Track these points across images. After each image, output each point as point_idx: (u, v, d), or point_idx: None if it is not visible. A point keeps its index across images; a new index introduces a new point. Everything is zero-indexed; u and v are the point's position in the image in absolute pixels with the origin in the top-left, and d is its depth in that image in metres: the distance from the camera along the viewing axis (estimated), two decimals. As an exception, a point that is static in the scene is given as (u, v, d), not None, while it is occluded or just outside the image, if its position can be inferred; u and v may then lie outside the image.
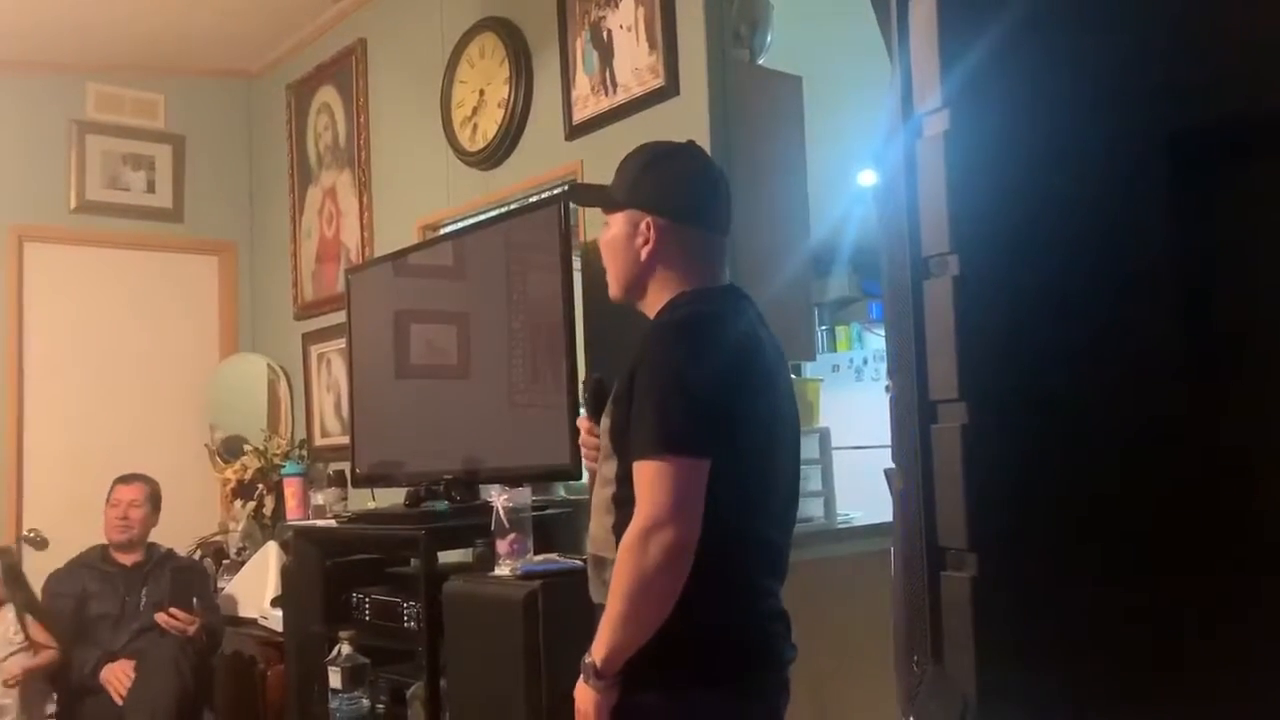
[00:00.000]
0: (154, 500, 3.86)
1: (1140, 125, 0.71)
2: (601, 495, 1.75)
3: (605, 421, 1.75)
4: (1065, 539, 0.70)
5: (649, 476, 1.59)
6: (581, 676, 1.66)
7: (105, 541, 3.82)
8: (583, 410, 1.93)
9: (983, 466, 0.70)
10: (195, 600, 3.68)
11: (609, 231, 1.81)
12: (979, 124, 0.71)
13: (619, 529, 1.65)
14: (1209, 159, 0.71)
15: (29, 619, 3.48)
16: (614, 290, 1.83)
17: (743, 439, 1.66)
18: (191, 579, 3.83)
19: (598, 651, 1.64)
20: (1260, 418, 0.70)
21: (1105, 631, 0.69)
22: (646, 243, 1.75)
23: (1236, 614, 0.69)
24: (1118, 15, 0.71)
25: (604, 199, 1.84)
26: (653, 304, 1.77)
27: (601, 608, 1.73)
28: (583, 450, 1.92)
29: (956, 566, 0.71)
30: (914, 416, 0.76)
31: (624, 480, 1.67)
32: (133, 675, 3.47)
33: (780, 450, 1.77)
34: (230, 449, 4.53)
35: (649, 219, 1.74)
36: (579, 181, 1.85)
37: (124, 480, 3.86)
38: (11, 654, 3.43)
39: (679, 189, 1.79)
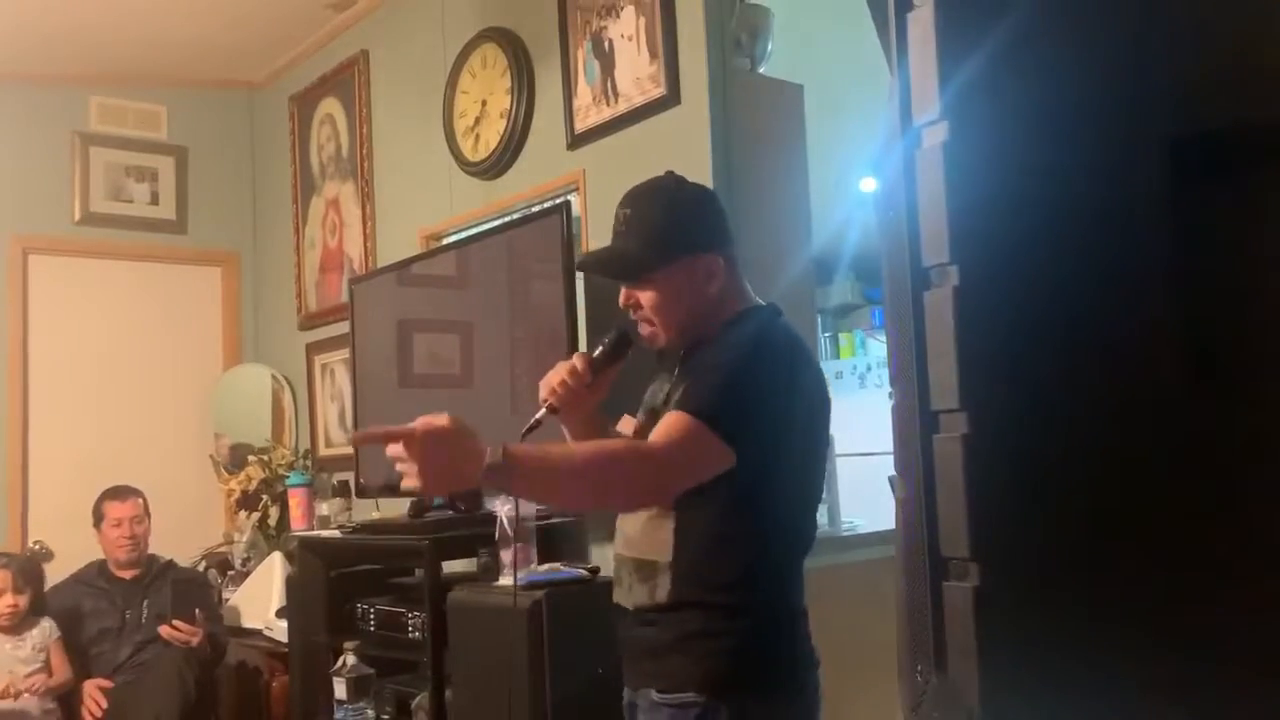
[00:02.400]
0: (148, 510, 3.84)
1: (1138, 134, 0.71)
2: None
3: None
4: (1067, 548, 0.70)
5: (675, 424, 1.58)
6: (481, 447, 1.48)
7: (104, 558, 3.79)
8: (592, 354, 1.79)
9: (984, 476, 0.71)
10: (198, 611, 3.67)
11: (657, 289, 1.72)
12: (977, 135, 0.72)
13: (680, 532, 1.66)
14: (1207, 167, 0.71)
15: (56, 643, 3.48)
16: (668, 340, 1.76)
17: (810, 447, 1.73)
18: (193, 590, 3.82)
19: (524, 461, 1.49)
20: (1259, 424, 0.71)
21: (1107, 640, 0.69)
22: (712, 280, 1.73)
23: (1238, 617, 0.69)
24: (1114, 26, 0.72)
25: (649, 260, 1.72)
26: (705, 333, 1.75)
27: (624, 610, 1.75)
28: (554, 385, 1.76)
29: (959, 576, 0.71)
30: (915, 426, 0.76)
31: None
32: (104, 703, 3.47)
33: (822, 463, 1.83)
34: (236, 459, 4.53)
35: (714, 257, 1.73)
36: (587, 256, 1.74)
37: (116, 496, 3.79)
38: (32, 672, 3.42)
39: (717, 220, 1.78)
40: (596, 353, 1.78)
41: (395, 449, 1.45)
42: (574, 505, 1.56)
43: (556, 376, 1.77)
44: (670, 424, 1.59)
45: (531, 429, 1.72)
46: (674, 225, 1.73)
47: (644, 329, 1.78)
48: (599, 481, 1.57)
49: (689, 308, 1.73)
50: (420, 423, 1.45)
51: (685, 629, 1.66)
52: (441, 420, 1.46)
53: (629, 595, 1.75)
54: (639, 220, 1.74)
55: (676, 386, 1.72)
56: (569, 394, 1.76)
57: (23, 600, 3.48)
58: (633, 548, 1.75)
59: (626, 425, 1.89)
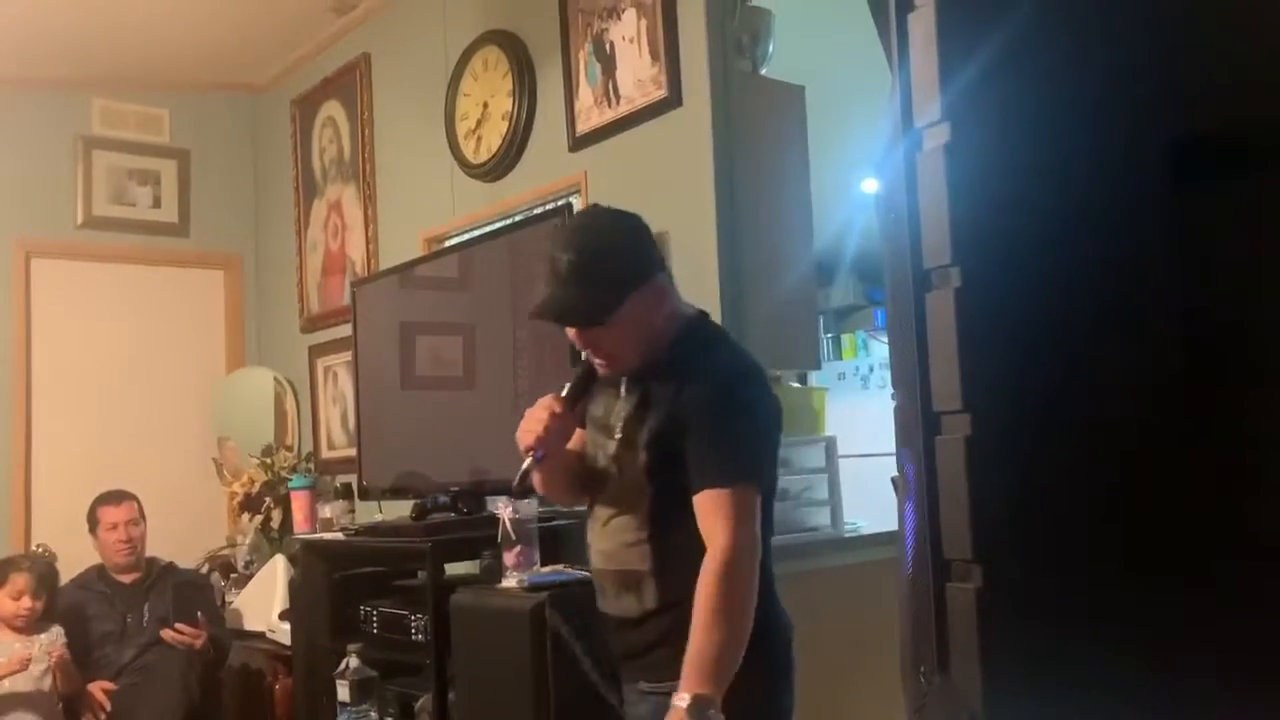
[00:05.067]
0: (143, 513, 3.84)
1: (1140, 135, 0.71)
2: (632, 519, 1.82)
3: (639, 457, 1.78)
4: (1070, 550, 0.70)
5: (727, 505, 1.68)
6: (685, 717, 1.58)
7: (102, 563, 3.78)
8: (562, 394, 1.83)
9: (987, 477, 0.71)
10: (199, 614, 3.67)
11: (617, 329, 1.76)
12: (979, 136, 0.72)
13: (655, 541, 1.77)
14: (1209, 168, 0.71)
15: (64, 650, 3.48)
16: (635, 365, 1.81)
17: (775, 452, 1.84)
18: (195, 592, 3.82)
19: (708, 685, 1.60)
20: (1260, 424, 0.71)
21: (1110, 642, 0.69)
22: (662, 303, 1.81)
23: (1239, 619, 0.69)
24: (1115, 27, 0.72)
25: (606, 303, 1.76)
26: (658, 347, 1.82)
27: (616, 618, 1.84)
28: (538, 432, 1.79)
29: (961, 578, 0.71)
30: (917, 428, 0.76)
31: (660, 501, 1.76)
32: (108, 706, 3.47)
33: None
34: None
35: (647, 288, 1.78)
36: (541, 307, 1.79)
37: (110, 500, 3.79)
38: (40, 673, 3.43)
39: (648, 245, 1.84)
40: (566, 391, 1.83)
41: None
42: (744, 642, 1.67)
43: (538, 424, 1.79)
44: (715, 506, 1.68)
45: (524, 478, 1.80)
46: (619, 263, 1.77)
47: (602, 366, 1.82)
48: (737, 621, 1.65)
49: (645, 335, 1.79)
50: None
51: (672, 626, 1.74)
52: None
53: (616, 604, 1.85)
54: (584, 265, 1.75)
55: (644, 416, 1.79)
56: (555, 437, 1.81)
57: (39, 604, 3.49)
58: (611, 561, 1.85)
59: (575, 441, 1.94)
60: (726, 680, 1.63)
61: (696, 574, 1.70)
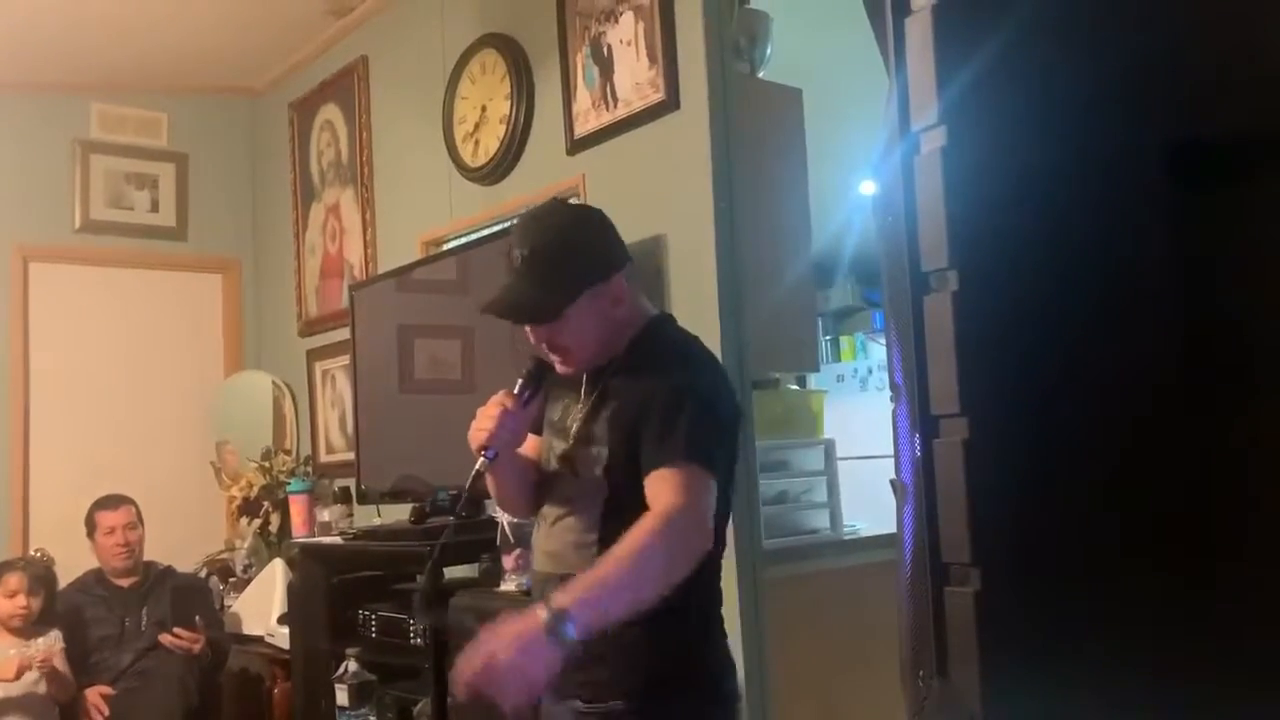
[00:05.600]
0: (141, 517, 3.84)
1: (1137, 138, 0.71)
2: (581, 519, 1.73)
3: (598, 453, 1.72)
4: (1068, 553, 0.70)
5: (680, 479, 1.59)
6: (539, 620, 1.44)
7: (100, 567, 3.78)
8: (514, 391, 1.78)
9: (985, 481, 0.71)
10: (198, 618, 3.67)
11: (571, 326, 1.72)
12: (976, 140, 0.72)
13: (605, 545, 1.62)
14: (1206, 171, 0.71)
15: (60, 654, 3.47)
16: (590, 361, 1.77)
17: (732, 459, 1.76)
18: (193, 596, 3.81)
19: (579, 606, 1.46)
20: (1258, 426, 0.71)
21: (1109, 644, 0.69)
22: (618, 302, 1.73)
23: (1239, 621, 0.69)
24: (1112, 31, 0.72)
25: (557, 300, 1.71)
26: (615, 345, 1.77)
27: None
28: (492, 429, 1.73)
29: (960, 582, 0.71)
30: (916, 431, 0.76)
31: (613, 501, 1.68)
32: (106, 710, 3.47)
33: None
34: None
35: (614, 280, 1.73)
36: (492, 302, 1.76)
37: (107, 505, 3.78)
38: (37, 680, 3.42)
39: (610, 240, 1.78)
40: (518, 388, 1.78)
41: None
42: (646, 604, 1.55)
43: (490, 422, 1.74)
44: (664, 482, 1.59)
45: (476, 480, 1.75)
46: (575, 260, 1.72)
47: (559, 364, 1.77)
48: (652, 575, 1.54)
49: (600, 334, 1.74)
50: (462, 683, 1.46)
51: (611, 640, 1.59)
52: (472, 664, 1.45)
53: None
54: (538, 260, 1.71)
55: (600, 410, 1.73)
56: (507, 435, 1.75)
57: (35, 604, 3.48)
58: (557, 564, 1.74)
59: (530, 447, 1.89)
60: (597, 616, 1.49)
61: None
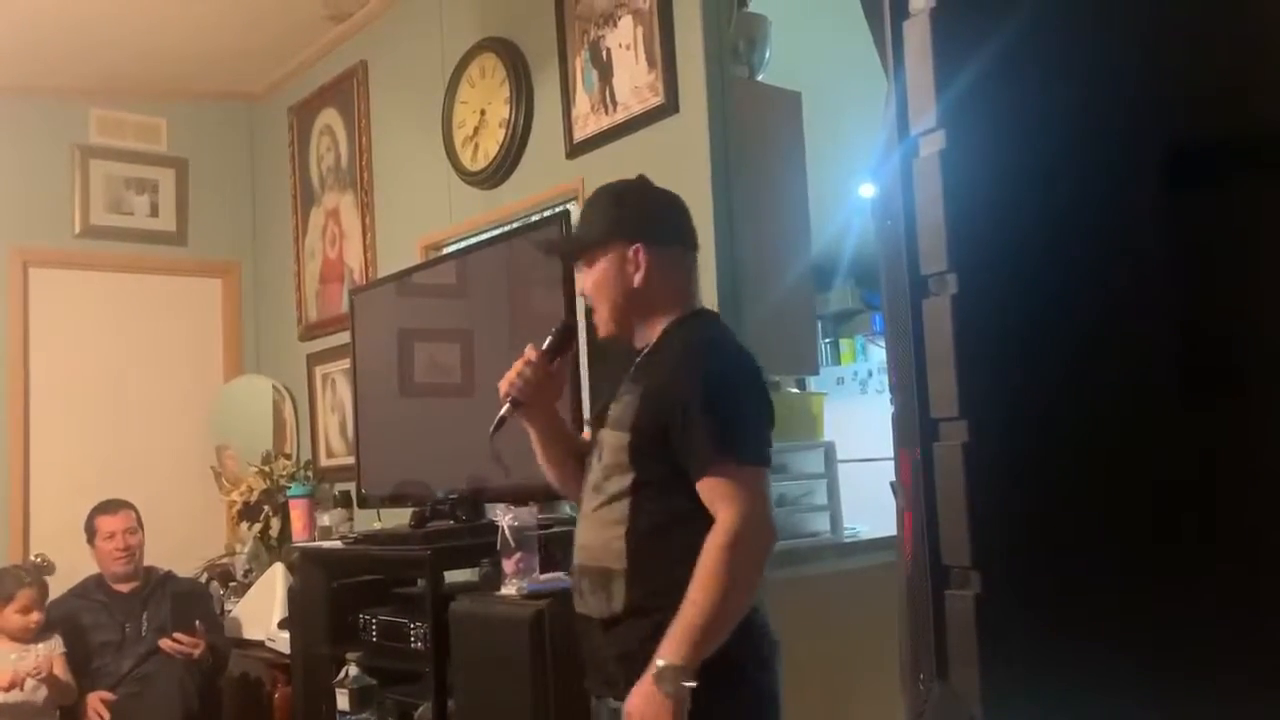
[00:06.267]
0: (141, 522, 3.83)
1: (1137, 141, 0.71)
2: (612, 510, 1.76)
3: (621, 437, 1.76)
4: (1068, 556, 0.70)
5: (728, 487, 1.64)
6: (653, 684, 1.59)
7: (100, 572, 3.77)
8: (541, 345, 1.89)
9: (985, 484, 0.71)
10: (198, 622, 3.66)
11: (593, 274, 1.82)
12: (975, 143, 0.72)
13: (633, 537, 1.69)
14: (1206, 174, 0.71)
15: (60, 658, 3.47)
16: (606, 328, 1.84)
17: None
18: (193, 601, 3.80)
19: (685, 654, 1.58)
20: (1258, 428, 0.71)
21: (1110, 647, 0.69)
22: (638, 269, 1.79)
23: (1240, 623, 0.69)
24: (1112, 34, 0.72)
25: (584, 242, 1.84)
26: (649, 332, 1.82)
27: (587, 619, 1.78)
28: (513, 379, 1.84)
29: (960, 585, 0.71)
30: (915, 434, 0.76)
31: (642, 491, 1.71)
32: (107, 716, 3.46)
33: None
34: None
35: (637, 246, 1.79)
36: (554, 238, 1.88)
37: (107, 510, 3.78)
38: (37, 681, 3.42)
39: (655, 214, 1.85)
40: (546, 344, 1.88)
41: None
42: (737, 619, 1.64)
43: (513, 371, 1.85)
44: (718, 489, 1.64)
45: (499, 425, 1.87)
46: (610, 213, 1.82)
47: (595, 317, 1.86)
48: (733, 596, 1.62)
49: (616, 296, 1.80)
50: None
51: (641, 637, 1.67)
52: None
53: (586, 604, 1.78)
54: (588, 208, 1.87)
55: (631, 390, 1.78)
56: (528, 385, 1.84)
57: (43, 617, 3.50)
58: (590, 556, 1.78)
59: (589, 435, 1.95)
60: (706, 652, 1.59)
61: (669, 583, 1.65)
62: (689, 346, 1.76)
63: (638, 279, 1.79)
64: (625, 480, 1.74)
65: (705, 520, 1.66)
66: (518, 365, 1.85)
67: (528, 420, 1.90)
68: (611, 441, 1.78)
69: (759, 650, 1.73)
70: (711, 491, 1.65)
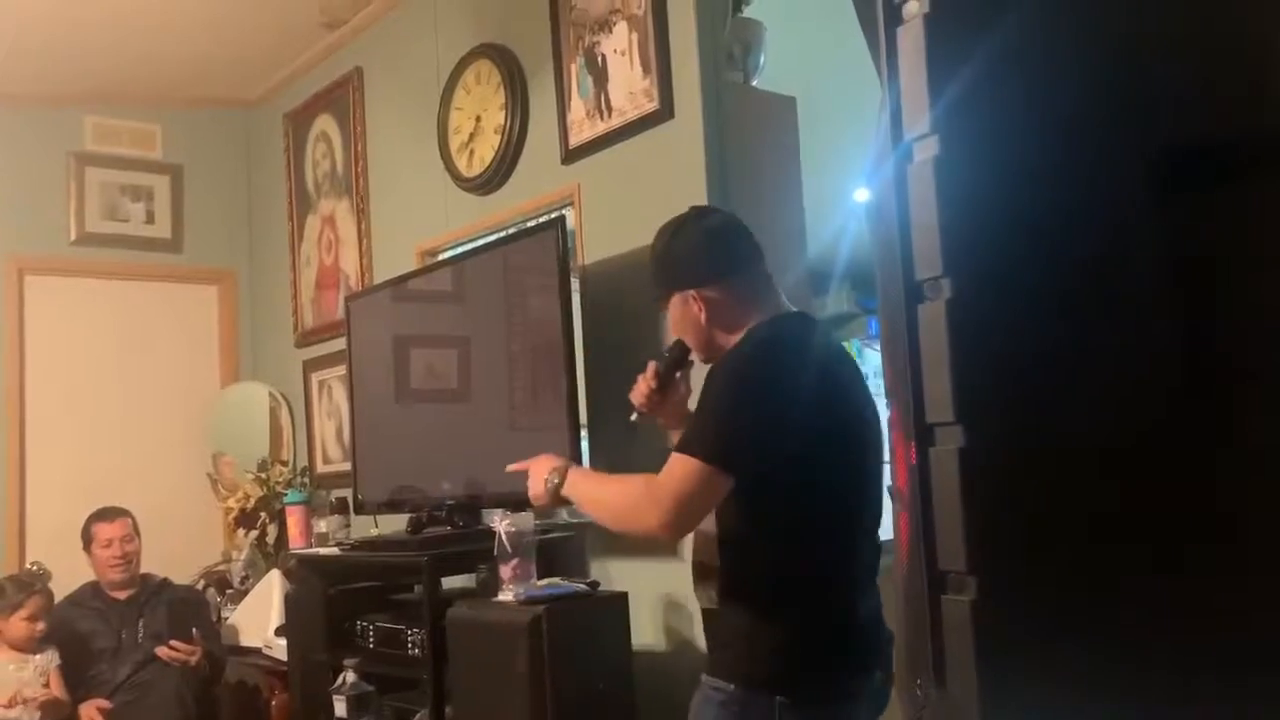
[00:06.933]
0: (137, 529, 3.83)
1: (1132, 145, 0.71)
2: (706, 522, 1.86)
3: None
4: (1065, 561, 0.70)
5: (671, 465, 1.75)
6: (548, 470, 1.95)
7: (97, 580, 3.76)
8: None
9: (981, 489, 0.70)
10: (195, 630, 3.66)
11: (670, 316, 2.00)
12: (969, 148, 0.72)
13: (721, 536, 1.83)
14: (1202, 177, 0.71)
15: (56, 670, 3.46)
16: (699, 357, 2.00)
17: (815, 451, 1.77)
18: (190, 608, 3.80)
19: (572, 486, 1.92)
20: (1259, 433, 0.71)
21: (1108, 653, 0.69)
22: (700, 309, 1.92)
23: (1239, 629, 0.69)
24: (1107, 37, 0.72)
25: (656, 294, 2.03)
26: (720, 349, 1.94)
27: (706, 612, 1.91)
28: (640, 390, 2.05)
29: (957, 590, 0.71)
30: (911, 439, 0.76)
31: (721, 508, 1.80)
32: None
33: (870, 455, 1.88)
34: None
35: (691, 293, 1.92)
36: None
37: (104, 517, 3.77)
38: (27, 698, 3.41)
39: (701, 254, 1.95)
40: (662, 360, 2.04)
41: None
42: (605, 523, 1.94)
43: (638, 386, 2.04)
44: (668, 464, 1.77)
45: (631, 426, 2.10)
46: (666, 264, 1.98)
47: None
48: (614, 507, 1.88)
49: (694, 334, 1.95)
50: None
51: (732, 627, 1.82)
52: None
53: (697, 596, 1.94)
54: (652, 253, 2.01)
55: None
56: (646, 400, 2.03)
57: (45, 626, 3.50)
58: (696, 551, 1.93)
59: None
60: (578, 496, 1.92)
61: (751, 577, 1.80)
62: (721, 359, 1.89)
63: (703, 318, 1.92)
64: None
65: (764, 525, 1.78)
66: (641, 380, 2.04)
67: (665, 426, 2.11)
68: None
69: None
70: (668, 462, 1.78)
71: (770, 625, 1.78)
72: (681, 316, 1.95)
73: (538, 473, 1.98)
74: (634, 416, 2.07)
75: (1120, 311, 0.71)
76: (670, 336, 2.05)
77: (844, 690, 1.79)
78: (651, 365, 2.03)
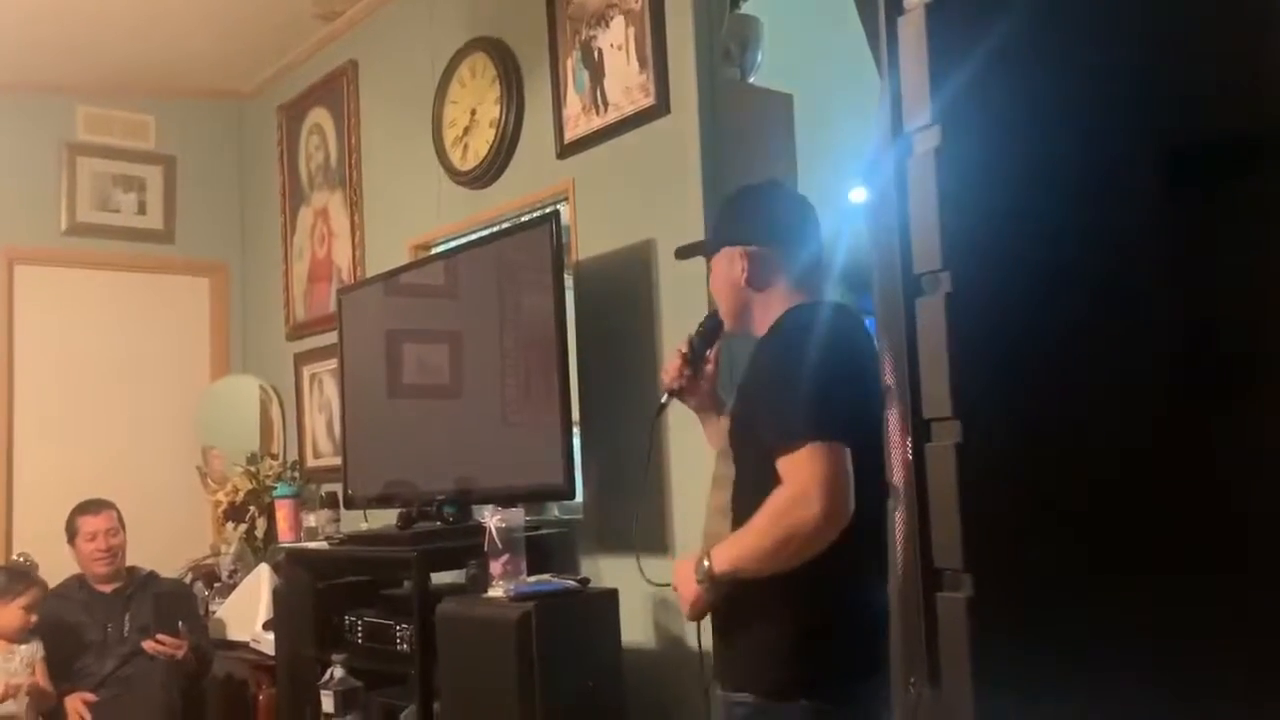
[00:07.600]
0: (123, 521, 3.80)
1: (1134, 139, 0.71)
2: (720, 498, 1.88)
3: (725, 423, 1.92)
4: (1061, 559, 0.69)
5: (792, 463, 1.69)
6: (693, 569, 1.79)
7: (82, 572, 3.74)
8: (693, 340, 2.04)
9: (977, 485, 0.70)
10: (181, 624, 3.63)
11: (713, 274, 1.99)
12: (969, 140, 0.71)
13: (734, 515, 1.81)
14: (1204, 172, 0.71)
15: (40, 662, 3.45)
16: (727, 323, 1.99)
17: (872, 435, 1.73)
18: (176, 602, 3.77)
19: (720, 561, 1.75)
20: (1260, 432, 0.70)
21: (1104, 651, 0.68)
22: (743, 270, 1.92)
23: (1237, 626, 0.69)
24: (1109, 31, 0.71)
25: (701, 247, 2.05)
26: (760, 326, 1.92)
27: (715, 614, 1.87)
28: (670, 370, 2.03)
29: (952, 587, 0.70)
30: (907, 435, 0.75)
31: (739, 486, 1.82)
32: (89, 717, 3.44)
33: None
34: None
35: (740, 249, 1.92)
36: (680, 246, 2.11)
37: (89, 510, 3.74)
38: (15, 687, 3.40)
39: (761, 217, 1.97)
40: (691, 342, 2.02)
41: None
42: (776, 568, 1.73)
43: (671, 362, 2.03)
44: (783, 470, 1.70)
45: (660, 411, 2.12)
46: (720, 220, 2.02)
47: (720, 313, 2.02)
48: (772, 552, 1.71)
49: (729, 294, 1.95)
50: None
51: (747, 631, 1.80)
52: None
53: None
54: (718, 213, 2.05)
55: (739, 411, 1.88)
56: (680, 376, 2.01)
57: (36, 618, 3.48)
58: (707, 542, 1.89)
59: None
60: (734, 572, 1.74)
61: (770, 577, 1.74)
62: (761, 341, 1.87)
63: (742, 279, 1.92)
64: (731, 469, 1.87)
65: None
66: (673, 358, 2.02)
67: (694, 407, 2.06)
68: (722, 426, 1.94)
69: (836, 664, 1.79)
70: (781, 471, 1.71)
71: (790, 628, 1.74)
72: (723, 275, 1.95)
73: (684, 578, 1.82)
74: (664, 399, 2.04)
75: (1121, 307, 0.70)
76: (676, 338, 2.05)
77: (867, 690, 1.72)
78: (684, 340, 2.02)
